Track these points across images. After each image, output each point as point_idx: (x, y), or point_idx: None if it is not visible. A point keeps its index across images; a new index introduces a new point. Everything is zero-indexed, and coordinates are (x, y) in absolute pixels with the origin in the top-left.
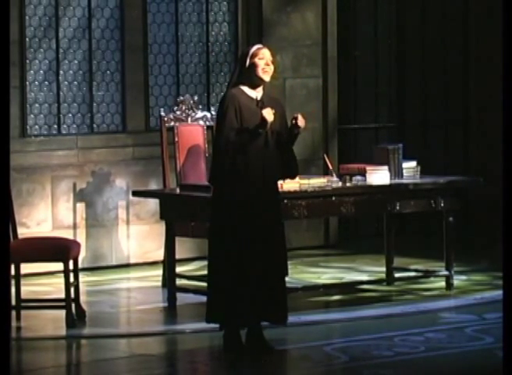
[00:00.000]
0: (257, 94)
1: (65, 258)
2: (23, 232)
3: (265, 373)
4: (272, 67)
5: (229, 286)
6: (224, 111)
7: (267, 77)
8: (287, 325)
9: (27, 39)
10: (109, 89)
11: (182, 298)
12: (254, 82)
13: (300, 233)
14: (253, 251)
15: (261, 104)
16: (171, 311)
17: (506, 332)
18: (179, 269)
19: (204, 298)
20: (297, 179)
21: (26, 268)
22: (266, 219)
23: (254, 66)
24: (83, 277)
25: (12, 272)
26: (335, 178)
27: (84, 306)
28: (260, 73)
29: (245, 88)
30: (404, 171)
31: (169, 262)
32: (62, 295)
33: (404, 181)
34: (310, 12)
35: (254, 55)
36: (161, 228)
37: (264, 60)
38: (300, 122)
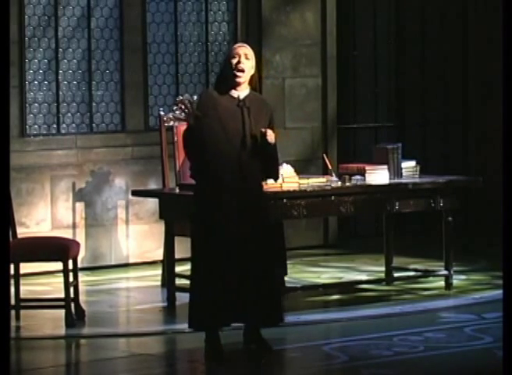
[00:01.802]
0: (239, 93)
1: (65, 257)
2: (22, 232)
3: (264, 372)
4: (248, 63)
5: (210, 288)
6: (195, 113)
7: (240, 78)
8: (286, 325)
9: (26, 39)
10: (108, 88)
11: (181, 298)
12: (231, 82)
13: (299, 233)
14: (230, 252)
15: (242, 103)
16: (170, 310)
17: (506, 331)
18: (178, 268)
19: None
20: (296, 179)
21: (25, 267)
22: (245, 220)
23: (228, 66)
24: (82, 277)
25: (12, 271)
26: (334, 178)
27: (83, 306)
28: (232, 74)
29: (226, 87)
30: (404, 171)
31: (169, 262)
32: (62, 295)
33: (404, 181)
34: (309, 11)
35: (229, 55)
36: (160, 228)
37: (236, 59)
38: (270, 137)
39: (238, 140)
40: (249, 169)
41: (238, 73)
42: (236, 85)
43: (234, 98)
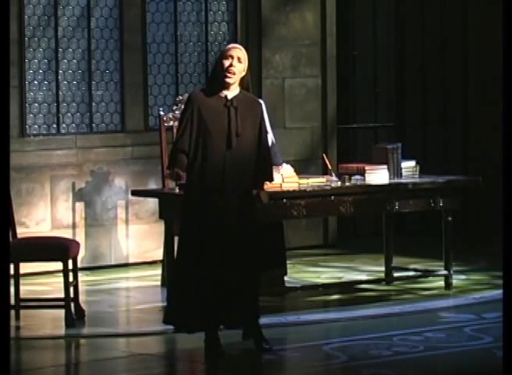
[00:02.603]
0: (227, 93)
1: (65, 257)
2: (22, 231)
3: (264, 372)
4: (240, 66)
5: (188, 288)
6: (182, 115)
7: (229, 80)
8: (286, 325)
9: (26, 38)
10: (108, 88)
11: None
12: (221, 82)
13: (299, 233)
14: (209, 252)
15: (229, 103)
16: None
17: (506, 331)
18: None
19: None
20: (296, 179)
21: (25, 267)
22: (227, 220)
23: (220, 66)
24: (82, 277)
25: (12, 271)
26: (334, 178)
27: (83, 306)
28: (222, 75)
29: (215, 87)
30: (403, 170)
31: (168, 262)
32: (61, 295)
33: (403, 181)
34: (309, 11)
35: (222, 56)
36: (160, 227)
37: (228, 61)
38: (263, 199)
39: (223, 139)
40: (234, 169)
41: (228, 75)
42: (225, 86)
43: (222, 97)
